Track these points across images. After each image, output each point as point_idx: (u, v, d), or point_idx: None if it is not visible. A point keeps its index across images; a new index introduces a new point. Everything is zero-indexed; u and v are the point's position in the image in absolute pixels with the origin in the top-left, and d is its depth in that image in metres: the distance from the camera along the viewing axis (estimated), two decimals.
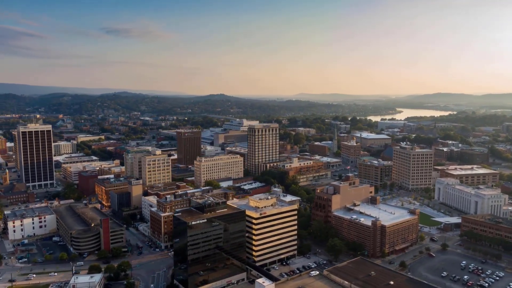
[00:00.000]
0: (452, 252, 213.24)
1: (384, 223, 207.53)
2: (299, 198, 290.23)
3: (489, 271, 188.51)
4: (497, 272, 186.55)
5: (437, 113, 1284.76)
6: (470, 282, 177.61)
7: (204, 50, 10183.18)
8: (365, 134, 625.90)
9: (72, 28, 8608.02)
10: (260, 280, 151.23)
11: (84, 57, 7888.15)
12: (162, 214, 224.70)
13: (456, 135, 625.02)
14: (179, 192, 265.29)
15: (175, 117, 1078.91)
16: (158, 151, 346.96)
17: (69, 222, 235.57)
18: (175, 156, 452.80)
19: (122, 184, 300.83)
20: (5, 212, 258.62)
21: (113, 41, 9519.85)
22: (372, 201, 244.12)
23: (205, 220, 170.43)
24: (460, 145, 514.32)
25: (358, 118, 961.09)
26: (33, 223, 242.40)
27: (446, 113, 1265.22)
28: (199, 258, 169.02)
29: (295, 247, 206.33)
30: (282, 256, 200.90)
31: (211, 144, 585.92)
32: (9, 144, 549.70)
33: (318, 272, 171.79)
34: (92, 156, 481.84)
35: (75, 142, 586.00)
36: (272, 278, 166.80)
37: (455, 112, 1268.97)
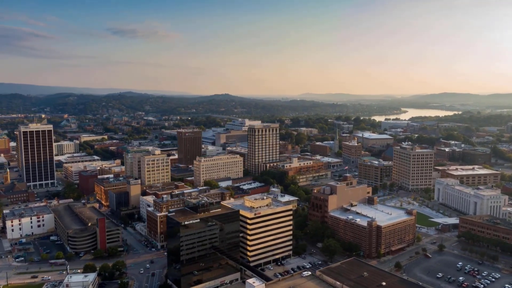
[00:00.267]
0: (449, 253, 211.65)
1: (380, 224, 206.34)
2: (297, 198, 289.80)
3: (485, 272, 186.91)
4: (493, 274, 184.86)
5: (442, 113, 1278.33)
6: (466, 283, 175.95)
7: (209, 50, 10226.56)
8: (367, 134, 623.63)
9: (79, 28, 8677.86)
10: (250, 281, 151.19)
11: (90, 58, 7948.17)
12: (158, 214, 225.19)
13: (459, 135, 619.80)
14: (176, 192, 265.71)
15: (178, 117, 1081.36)
16: (158, 151, 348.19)
17: (66, 222, 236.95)
18: (176, 156, 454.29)
19: (120, 183, 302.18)
20: (4, 211, 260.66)
21: (119, 42, 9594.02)
22: (370, 202, 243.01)
23: (198, 220, 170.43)
24: (462, 145, 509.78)
25: (361, 118, 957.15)
26: (31, 222, 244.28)
27: (451, 113, 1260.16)
28: (192, 258, 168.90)
29: (290, 247, 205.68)
30: (277, 256, 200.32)
31: (213, 144, 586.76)
32: (12, 144, 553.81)
33: (310, 273, 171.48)
34: (94, 156, 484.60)
35: (77, 142, 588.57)
36: (265, 278, 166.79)
37: (460, 112, 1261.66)
